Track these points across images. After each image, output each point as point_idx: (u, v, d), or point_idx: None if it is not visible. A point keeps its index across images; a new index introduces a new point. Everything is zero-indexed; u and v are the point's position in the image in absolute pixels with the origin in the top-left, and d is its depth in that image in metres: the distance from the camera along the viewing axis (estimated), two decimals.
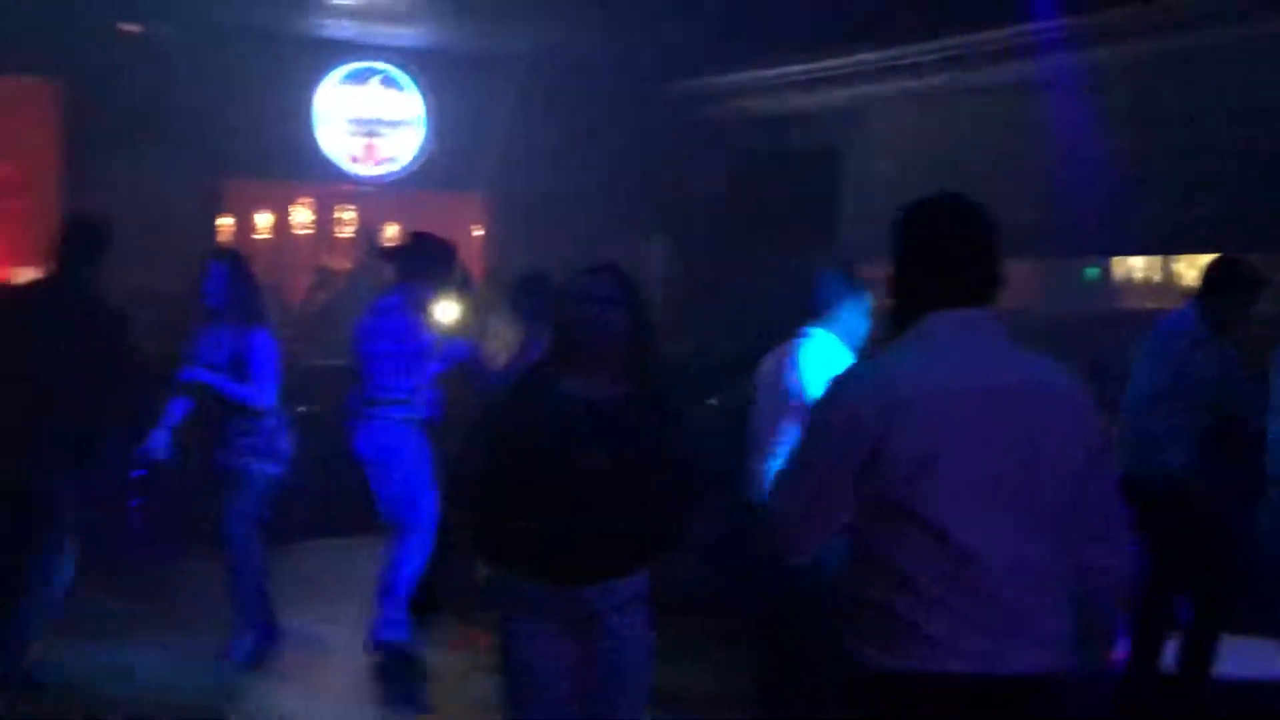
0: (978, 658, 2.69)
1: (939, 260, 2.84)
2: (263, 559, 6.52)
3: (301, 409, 9.09)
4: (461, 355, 6.71)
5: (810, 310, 5.14)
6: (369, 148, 13.70)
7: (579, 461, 3.66)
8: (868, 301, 5.14)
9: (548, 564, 3.70)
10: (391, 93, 13.80)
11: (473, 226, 14.78)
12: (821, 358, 4.95)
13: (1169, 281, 12.11)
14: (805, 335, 5.10)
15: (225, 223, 13.86)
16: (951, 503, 2.69)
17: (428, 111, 13.86)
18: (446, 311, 7.11)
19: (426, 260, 6.74)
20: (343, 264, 14.78)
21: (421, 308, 6.67)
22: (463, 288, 7.30)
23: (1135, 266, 12.70)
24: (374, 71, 13.69)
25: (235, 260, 6.68)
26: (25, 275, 8.45)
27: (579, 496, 3.64)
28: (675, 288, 12.88)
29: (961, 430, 2.71)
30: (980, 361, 2.79)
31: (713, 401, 7.88)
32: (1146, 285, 12.59)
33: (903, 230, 2.89)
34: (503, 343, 6.56)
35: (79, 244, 6.12)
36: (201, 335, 6.48)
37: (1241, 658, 6.06)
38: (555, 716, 3.81)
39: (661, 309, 13.79)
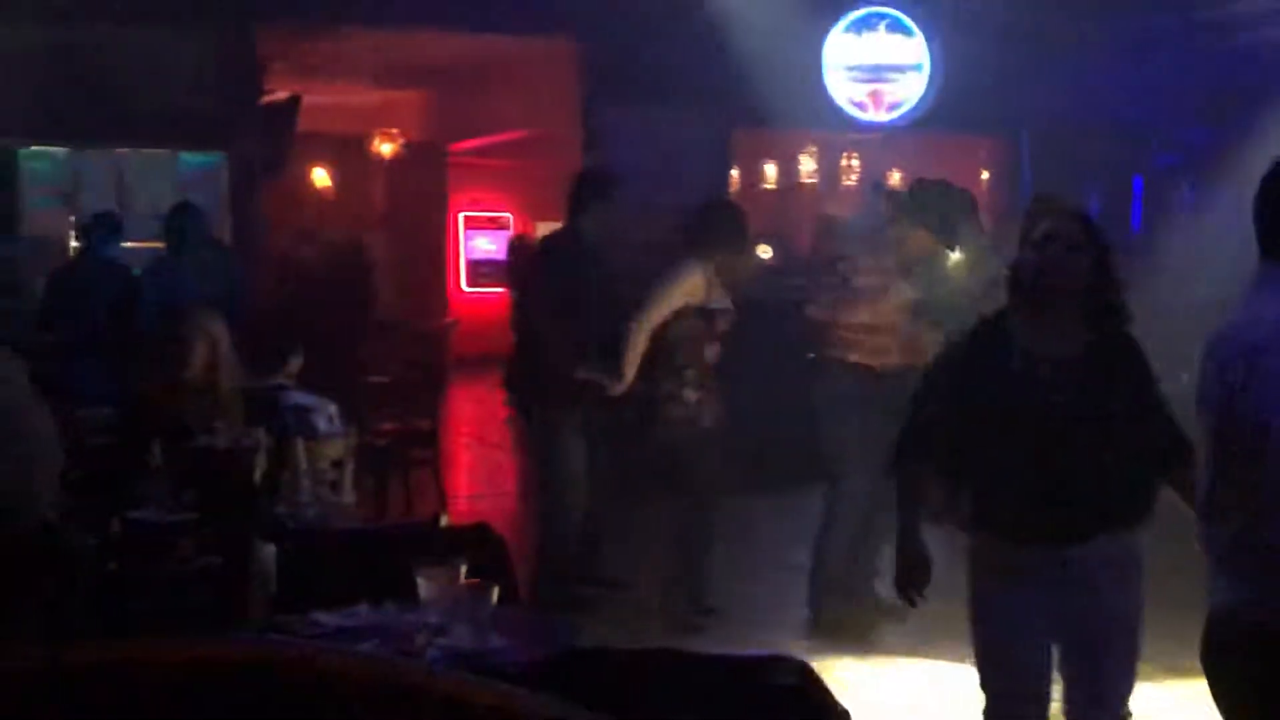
0: None
1: None
2: None
3: (809, 356, 9.19)
4: None
5: None
6: (875, 94, 13.57)
7: (1036, 419, 3.50)
8: None
9: (1019, 522, 3.58)
10: (898, 38, 13.60)
11: (981, 170, 14.42)
12: None
13: None
14: None
15: (733, 174, 14.11)
16: None
17: (934, 55, 13.59)
18: (952, 261, 6.88)
19: (935, 206, 6.55)
20: (848, 212, 14.75)
21: (905, 257, 6.46)
22: (970, 238, 7.05)
23: None
24: (880, 17, 13.53)
25: None
26: (545, 229, 8.87)
27: (1038, 454, 3.49)
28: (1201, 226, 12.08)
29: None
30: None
31: None
32: None
33: None
34: None
35: (581, 197, 6.36)
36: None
37: None
38: (1032, 678, 3.69)
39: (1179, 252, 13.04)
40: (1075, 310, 3.55)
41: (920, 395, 3.82)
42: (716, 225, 6.47)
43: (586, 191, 6.41)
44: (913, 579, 3.77)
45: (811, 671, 2.58)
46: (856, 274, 6.42)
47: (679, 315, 6.26)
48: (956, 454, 3.65)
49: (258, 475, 4.63)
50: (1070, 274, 3.52)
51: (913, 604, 3.82)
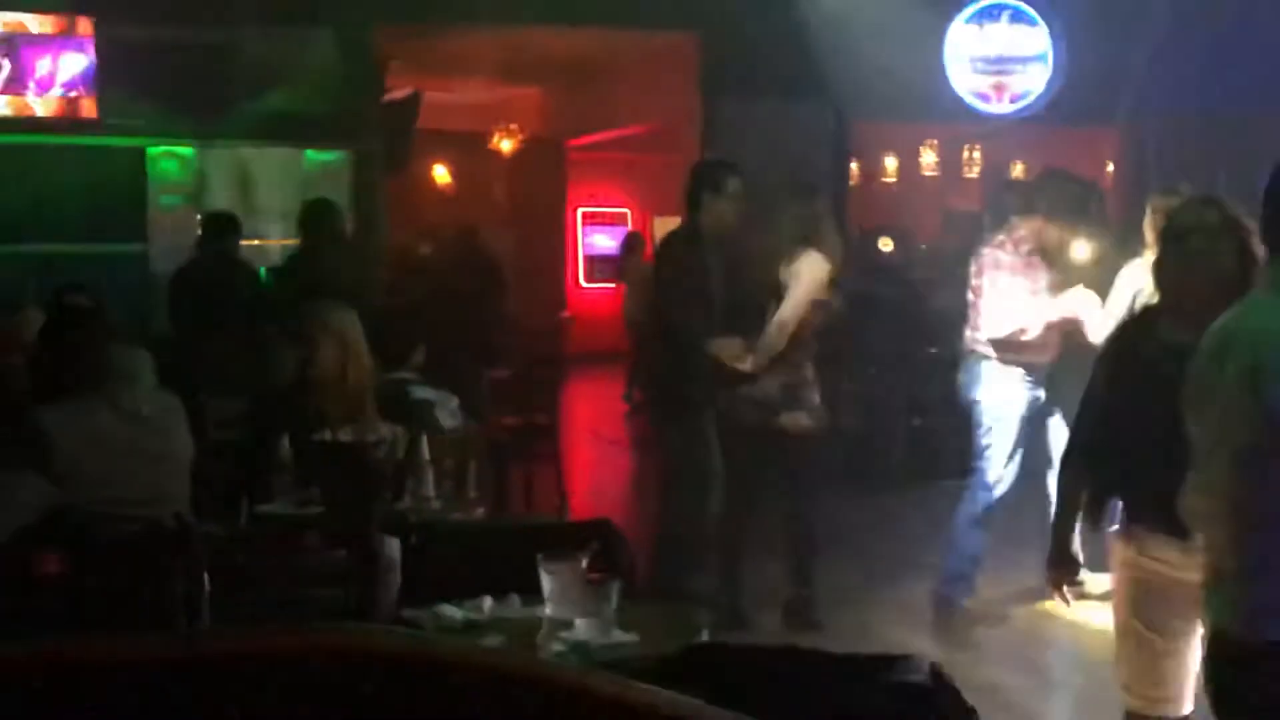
0: None
1: None
2: None
3: (931, 350, 9.11)
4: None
5: None
6: (998, 86, 13.39)
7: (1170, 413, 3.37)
8: None
9: (1164, 517, 3.43)
10: (1021, 28, 13.40)
11: (1106, 162, 14.16)
12: None
13: None
14: None
15: (854, 167, 14.01)
16: None
17: (1057, 46, 13.37)
18: (1082, 253, 6.75)
19: (1059, 199, 6.42)
20: (970, 205, 14.57)
21: (1041, 249, 6.34)
22: (1098, 229, 6.91)
23: None
24: (1003, 7, 13.35)
25: None
26: (665, 224, 8.86)
27: (1175, 449, 3.35)
28: None
29: None
30: None
31: None
32: None
33: None
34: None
35: (695, 191, 6.34)
36: None
37: None
38: (1172, 680, 3.64)
39: None
40: (1222, 301, 3.46)
41: (1085, 400, 3.82)
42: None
43: (701, 185, 6.36)
44: (1064, 577, 3.95)
45: (942, 671, 2.54)
46: (1005, 280, 6.27)
47: (814, 307, 6.22)
48: (1109, 450, 3.65)
49: (387, 471, 4.68)
50: (1213, 265, 3.44)
51: (1066, 602, 4.00)
